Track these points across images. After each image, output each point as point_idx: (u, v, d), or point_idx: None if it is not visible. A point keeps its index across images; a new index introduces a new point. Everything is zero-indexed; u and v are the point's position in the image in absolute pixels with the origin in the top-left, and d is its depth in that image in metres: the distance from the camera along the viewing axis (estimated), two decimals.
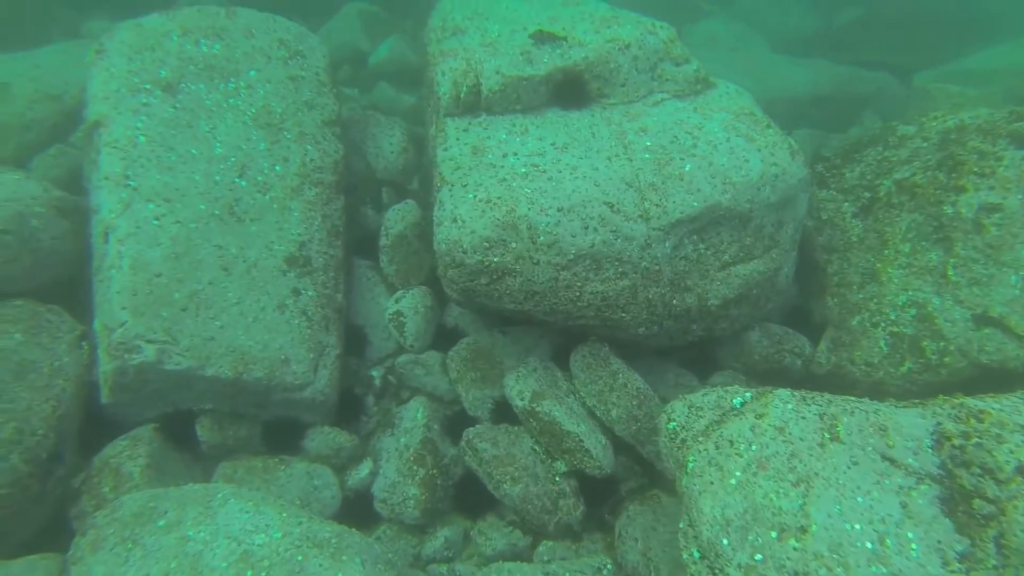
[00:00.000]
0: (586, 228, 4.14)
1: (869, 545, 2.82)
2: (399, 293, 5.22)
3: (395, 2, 8.78)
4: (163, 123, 4.66)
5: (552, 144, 4.53)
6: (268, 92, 5.18)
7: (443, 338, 5.21)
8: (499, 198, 4.15)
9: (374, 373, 5.10)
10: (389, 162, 5.92)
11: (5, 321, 4.07)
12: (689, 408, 3.67)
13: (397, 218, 5.30)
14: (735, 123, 4.74)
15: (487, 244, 4.09)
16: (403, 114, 7.68)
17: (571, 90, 4.91)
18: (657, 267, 4.36)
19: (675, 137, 4.62)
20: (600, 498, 4.64)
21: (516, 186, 4.21)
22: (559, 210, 4.13)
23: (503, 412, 4.78)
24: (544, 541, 4.43)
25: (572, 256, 4.14)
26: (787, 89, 7.69)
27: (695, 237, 4.46)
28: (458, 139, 4.63)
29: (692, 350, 5.25)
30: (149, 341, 4.01)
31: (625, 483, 4.72)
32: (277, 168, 4.93)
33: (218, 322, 4.27)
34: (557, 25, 5.24)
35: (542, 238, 4.10)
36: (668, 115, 4.85)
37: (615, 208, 4.21)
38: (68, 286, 4.64)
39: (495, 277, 4.18)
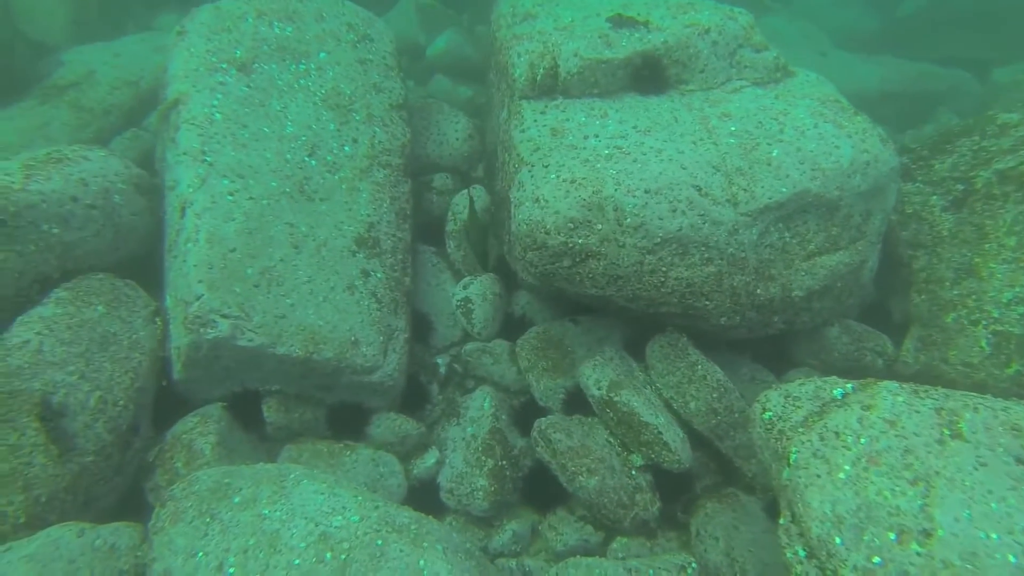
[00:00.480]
0: (674, 211, 3.99)
1: (1012, 559, 2.59)
2: (467, 279, 5.11)
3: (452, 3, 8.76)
4: (238, 101, 4.62)
5: (634, 127, 4.40)
6: (337, 74, 5.13)
7: (510, 327, 5.09)
8: (584, 178, 4.02)
9: (439, 361, 4.99)
10: (454, 148, 5.83)
11: (90, 293, 4.04)
12: (785, 398, 3.48)
13: (465, 203, 5.19)
14: (822, 109, 4.56)
15: (571, 225, 3.96)
16: (460, 106, 7.64)
17: (649, 75, 4.77)
18: (743, 254, 4.18)
19: (760, 123, 4.46)
20: (673, 495, 4.46)
21: (601, 167, 4.08)
22: (646, 192, 3.98)
23: (575, 403, 4.63)
24: (618, 537, 4.25)
25: (659, 239, 3.98)
26: (855, 85, 7.46)
27: (781, 225, 4.28)
28: (536, 121, 4.52)
29: (765, 345, 5.05)
30: (224, 316, 3.94)
31: (700, 480, 4.53)
32: (346, 149, 4.87)
33: (289, 300, 4.19)
34: (632, 11, 5.12)
35: (629, 220, 3.95)
36: (750, 101, 4.70)
37: (703, 192, 4.05)
38: (141, 263, 4.61)
39: (578, 259, 4.04)
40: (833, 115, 4.50)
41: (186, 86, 4.53)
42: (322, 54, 5.16)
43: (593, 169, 4.08)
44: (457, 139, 5.84)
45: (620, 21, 4.83)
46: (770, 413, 3.46)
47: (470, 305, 4.94)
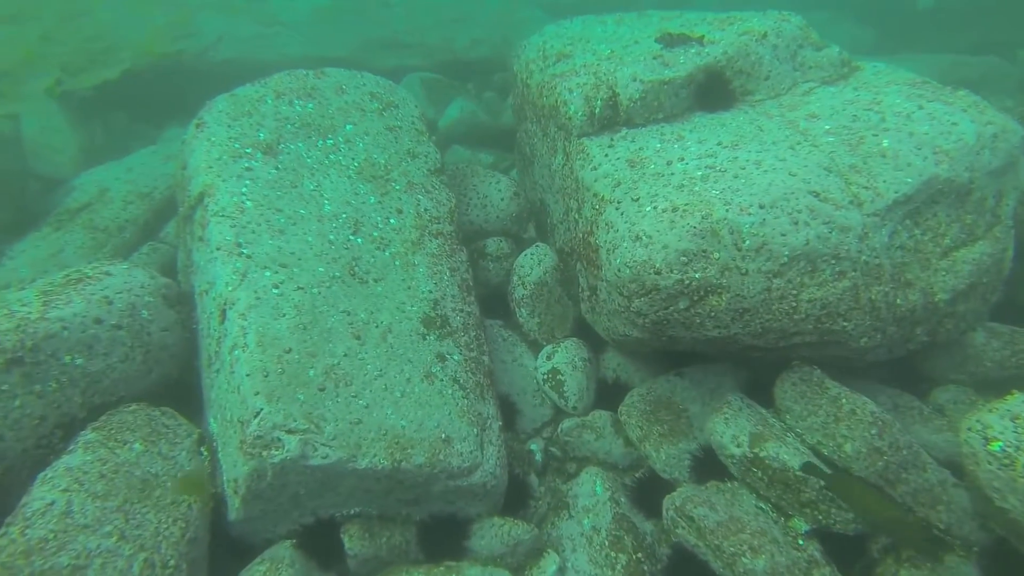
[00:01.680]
0: (795, 223, 3.40)
1: None
2: (548, 349, 4.46)
3: (453, 70, 8.53)
4: (268, 185, 4.11)
5: (718, 144, 3.89)
6: (368, 144, 4.66)
7: (605, 394, 4.40)
8: (687, 204, 3.46)
9: (533, 447, 4.26)
10: (500, 210, 5.31)
11: (124, 429, 3.36)
12: (1014, 420, 2.78)
13: (532, 264, 4.62)
14: (916, 91, 4.09)
15: (685, 258, 3.37)
16: None
17: (714, 90, 4.33)
18: (877, 260, 3.58)
19: (854, 116, 3.97)
20: (846, 563, 3.65)
21: (700, 189, 3.53)
22: (761, 207, 3.41)
23: (705, 468, 3.89)
24: None
25: (785, 259, 3.38)
26: None
27: (908, 222, 3.71)
28: (606, 156, 4.02)
29: (883, 370, 4.38)
30: (290, 431, 3.25)
31: (874, 540, 3.73)
32: (392, 221, 4.32)
33: (362, 401, 3.51)
34: (676, 30, 4.74)
35: (748, 242, 3.37)
36: (831, 99, 4.23)
37: (822, 196, 3.49)
38: (174, 386, 3.96)
39: (697, 297, 3.42)
40: (933, 94, 4.03)
41: (211, 177, 4.02)
42: (348, 126, 4.71)
43: (693, 193, 3.52)
44: (502, 199, 5.33)
45: (672, 39, 4.42)
46: (999, 444, 2.76)
47: (559, 377, 4.28)
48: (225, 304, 3.57)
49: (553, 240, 4.99)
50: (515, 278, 4.69)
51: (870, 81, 4.42)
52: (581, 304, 4.43)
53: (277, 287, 3.67)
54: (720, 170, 3.64)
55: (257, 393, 3.29)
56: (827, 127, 3.92)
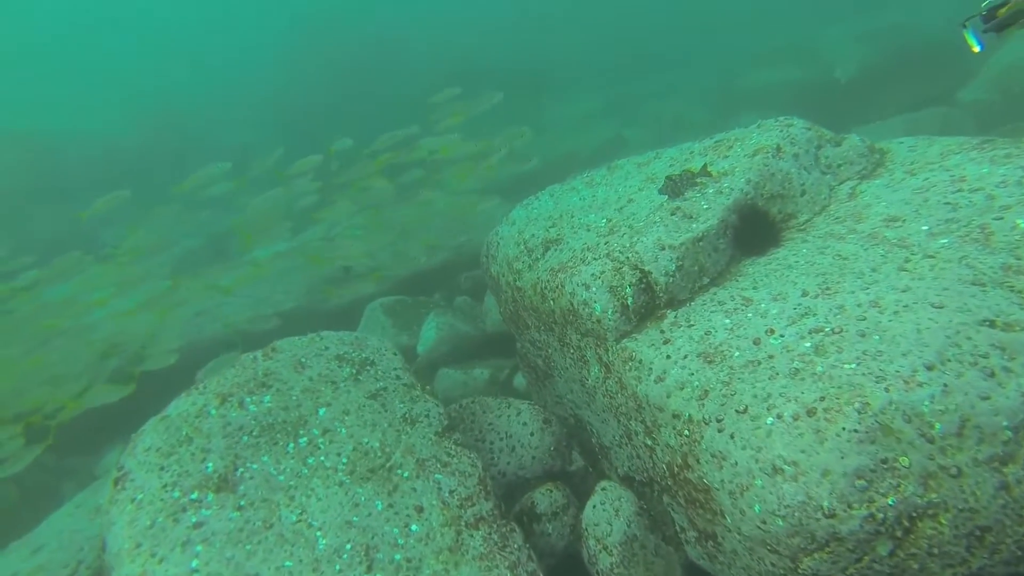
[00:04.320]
0: (991, 374, 2.33)
1: None
2: None
3: (415, 286, 7.76)
4: (230, 541, 2.90)
5: (803, 295, 2.91)
6: (352, 427, 3.56)
7: None
8: (825, 399, 2.38)
9: None
10: (534, 448, 4.14)
11: None
12: None
13: (607, 517, 3.39)
14: (991, 153, 3.30)
15: (863, 481, 2.21)
16: (484, 391, 6.16)
17: (754, 228, 3.45)
18: None
19: (949, 204, 3.10)
20: None
21: (828, 370, 2.47)
22: (929, 368, 2.35)
23: None
24: None
25: (1008, 432, 2.26)
26: None
27: None
28: (668, 357, 2.98)
29: None
30: None
31: None
32: (414, 528, 3.11)
33: None
34: (660, 179, 3.99)
35: (940, 426, 2.25)
36: (894, 193, 3.40)
37: (1000, 321, 2.46)
38: None
39: (902, 533, 2.22)
40: (1017, 150, 3.21)
41: (141, 563, 2.79)
42: (321, 411, 3.63)
43: (820, 378, 2.46)
44: (531, 434, 4.18)
45: (678, 183, 3.62)
46: None
47: None
48: None
49: (611, 465, 3.82)
50: (591, 542, 3.41)
51: (920, 160, 3.63)
52: (686, 547, 3.17)
53: None
54: (834, 332, 2.61)
55: None
56: (925, 228, 3.01)
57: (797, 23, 17.43)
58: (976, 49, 3.18)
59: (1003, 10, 2.99)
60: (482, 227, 8.25)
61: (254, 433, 3.38)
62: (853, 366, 2.43)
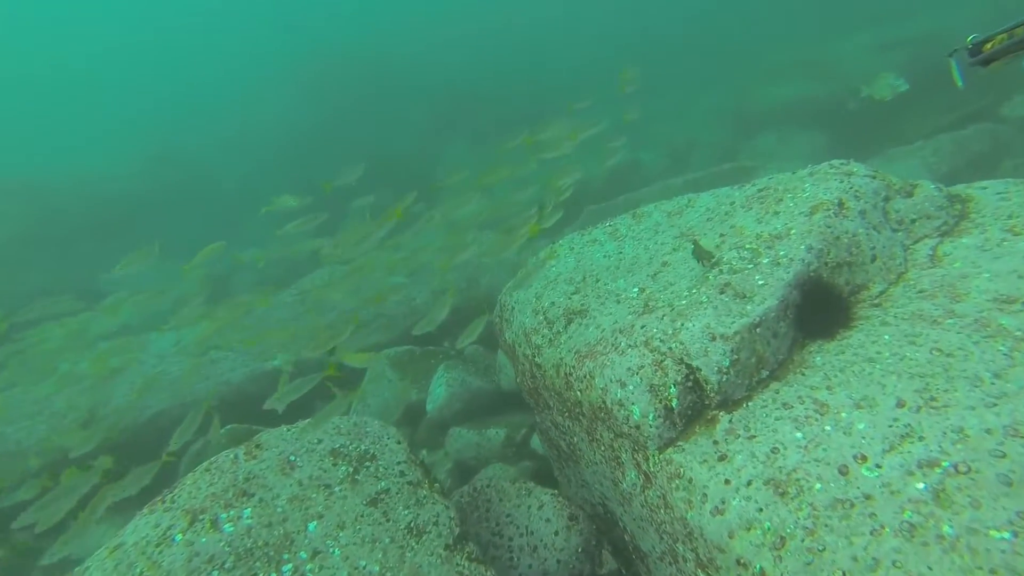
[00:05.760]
0: None
1: None
2: None
3: (424, 335, 7.23)
4: None
5: (899, 405, 2.34)
6: (348, 546, 3.02)
7: None
8: None
9: None
10: (558, 549, 3.59)
11: None
12: None
13: None
14: None
15: None
16: (504, 458, 5.61)
17: (819, 306, 2.89)
18: None
19: None
20: None
21: (964, 536, 1.91)
22: None
23: None
24: None
25: None
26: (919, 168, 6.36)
27: None
28: (727, 482, 2.41)
29: None
30: None
31: None
32: None
33: None
34: (710, 237, 3.46)
35: None
36: (1004, 261, 2.85)
37: None
38: None
39: None
40: None
41: None
42: (311, 525, 3.10)
43: (956, 549, 1.89)
44: (555, 533, 3.63)
45: (704, 253, 3.08)
46: None
47: None
48: None
49: (649, 573, 3.24)
50: None
51: (1013, 209, 3.07)
52: None
53: None
54: (959, 470, 2.04)
55: None
56: None
57: (812, 34, 16.86)
58: (959, 84, 2.82)
59: (989, 45, 2.66)
60: (494, 268, 7.75)
61: (227, 566, 2.84)
62: (1007, 537, 1.86)
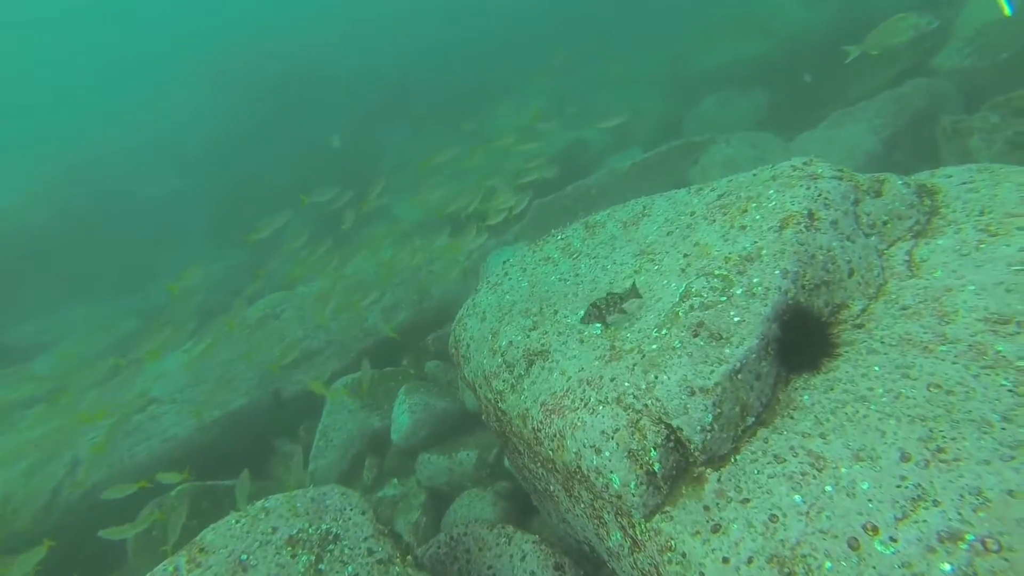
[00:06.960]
0: None
1: None
2: None
3: (378, 353, 6.87)
4: None
5: (903, 458, 2.13)
6: None
7: None
8: None
9: None
10: None
11: None
12: None
13: None
14: None
15: None
16: (472, 477, 5.36)
17: (799, 336, 2.66)
18: None
19: None
20: None
21: None
22: None
23: None
24: None
25: None
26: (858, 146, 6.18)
27: None
28: (725, 560, 2.18)
29: None
30: None
31: None
32: None
33: None
34: (672, 257, 3.19)
35: None
36: (986, 271, 2.66)
37: None
38: None
39: None
40: None
41: None
42: None
43: None
44: None
45: (602, 310, 2.83)
46: None
47: None
48: None
49: None
50: None
51: (994, 208, 2.90)
52: None
53: None
54: (988, 546, 1.83)
55: None
56: None
57: None
58: (1008, 12, 2.59)
59: None
60: (444, 277, 7.38)
61: None
62: None
